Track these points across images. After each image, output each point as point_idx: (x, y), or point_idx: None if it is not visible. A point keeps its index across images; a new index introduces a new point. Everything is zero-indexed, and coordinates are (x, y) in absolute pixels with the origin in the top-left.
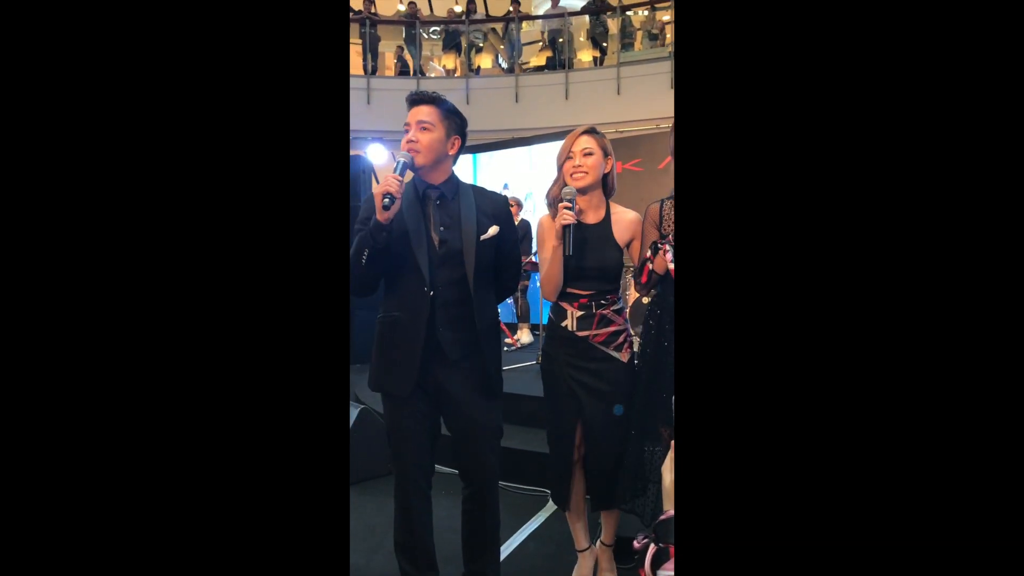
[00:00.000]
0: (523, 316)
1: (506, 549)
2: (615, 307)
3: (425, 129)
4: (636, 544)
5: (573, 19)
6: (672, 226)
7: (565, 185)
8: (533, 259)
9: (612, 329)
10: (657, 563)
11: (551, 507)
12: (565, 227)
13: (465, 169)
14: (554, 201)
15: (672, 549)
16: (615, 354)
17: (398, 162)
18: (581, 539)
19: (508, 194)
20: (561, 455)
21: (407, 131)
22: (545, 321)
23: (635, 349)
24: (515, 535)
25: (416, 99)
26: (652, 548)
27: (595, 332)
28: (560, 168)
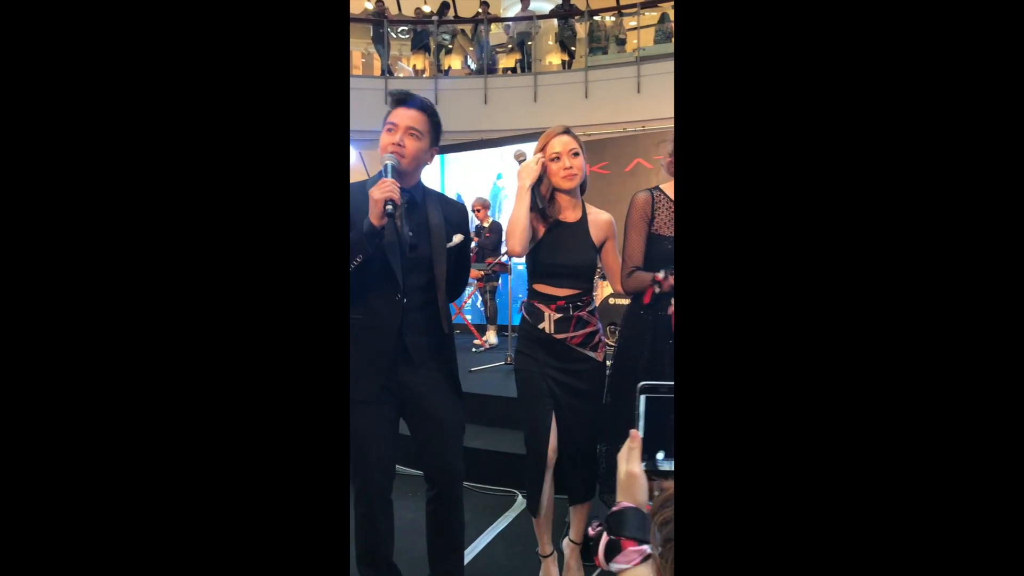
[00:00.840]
0: (491, 318)
1: (472, 550)
2: (589, 308)
3: (414, 136)
4: (591, 531)
5: (541, 22)
6: (665, 217)
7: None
8: (503, 260)
9: (588, 330)
10: (610, 554)
11: (518, 507)
12: (536, 252)
13: (432, 169)
14: (545, 201)
15: (624, 542)
16: (591, 354)
17: (386, 165)
18: (546, 544)
19: (476, 196)
20: (538, 455)
21: (390, 130)
22: (516, 322)
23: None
24: (481, 536)
25: (407, 102)
26: (604, 538)
27: (573, 334)
28: (544, 169)
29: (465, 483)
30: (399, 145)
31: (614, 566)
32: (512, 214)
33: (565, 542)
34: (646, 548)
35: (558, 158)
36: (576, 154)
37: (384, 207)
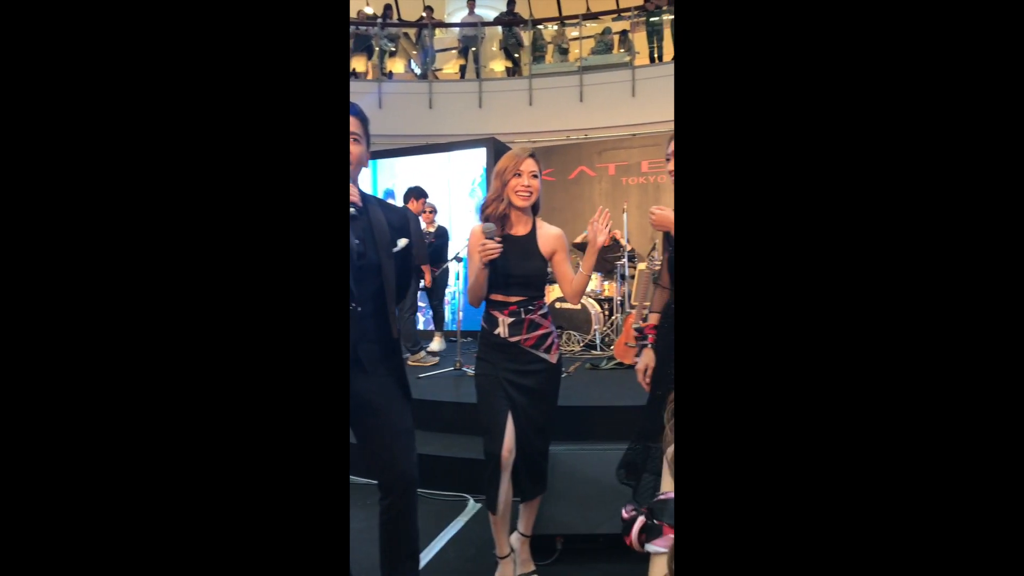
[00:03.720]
0: (439, 324)
1: (425, 556)
2: (541, 312)
3: (355, 141)
4: (625, 514)
5: (486, 29)
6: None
7: (487, 221)
8: (442, 267)
9: (540, 332)
10: (649, 536)
11: (470, 511)
12: (491, 262)
13: (386, 173)
14: (488, 217)
15: (666, 528)
16: (544, 356)
17: None
18: (504, 545)
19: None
20: (494, 455)
21: None
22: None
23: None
24: (434, 542)
25: None
26: (641, 520)
27: (525, 336)
28: (504, 183)
29: (418, 490)
30: None
31: (651, 548)
32: (472, 281)
33: (515, 536)
34: None
35: (520, 175)
36: (535, 176)
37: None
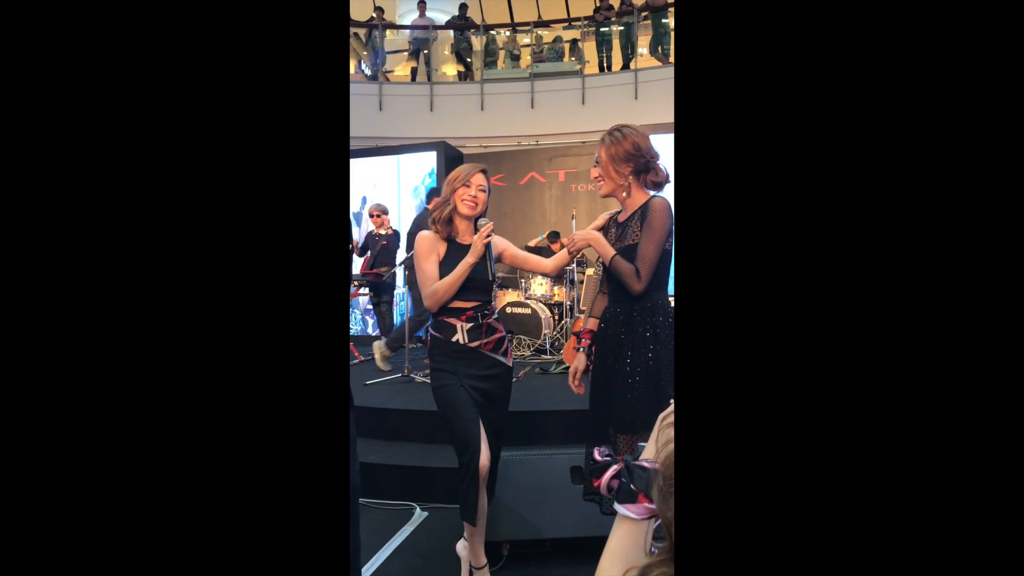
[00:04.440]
0: (386, 331)
1: (369, 568)
2: (495, 316)
3: None
4: (597, 456)
5: (438, 32)
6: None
7: (435, 222)
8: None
9: (497, 336)
10: (621, 497)
11: (415, 521)
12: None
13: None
14: (440, 220)
15: (641, 496)
16: (502, 359)
17: None
18: (481, 555)
19: (374, 203)
20: (471, 465)
21: None
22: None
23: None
24: (378, 553)
25: None
26: (615, 467)
27: (485, 341)
28: (453, 191)
29: (361, 499)
30: None
31: (622, 510)
32: (443, 285)
33: (460, 544)
34: (654, 508)
35: (468, 186)
36: (483, 190)
37: None
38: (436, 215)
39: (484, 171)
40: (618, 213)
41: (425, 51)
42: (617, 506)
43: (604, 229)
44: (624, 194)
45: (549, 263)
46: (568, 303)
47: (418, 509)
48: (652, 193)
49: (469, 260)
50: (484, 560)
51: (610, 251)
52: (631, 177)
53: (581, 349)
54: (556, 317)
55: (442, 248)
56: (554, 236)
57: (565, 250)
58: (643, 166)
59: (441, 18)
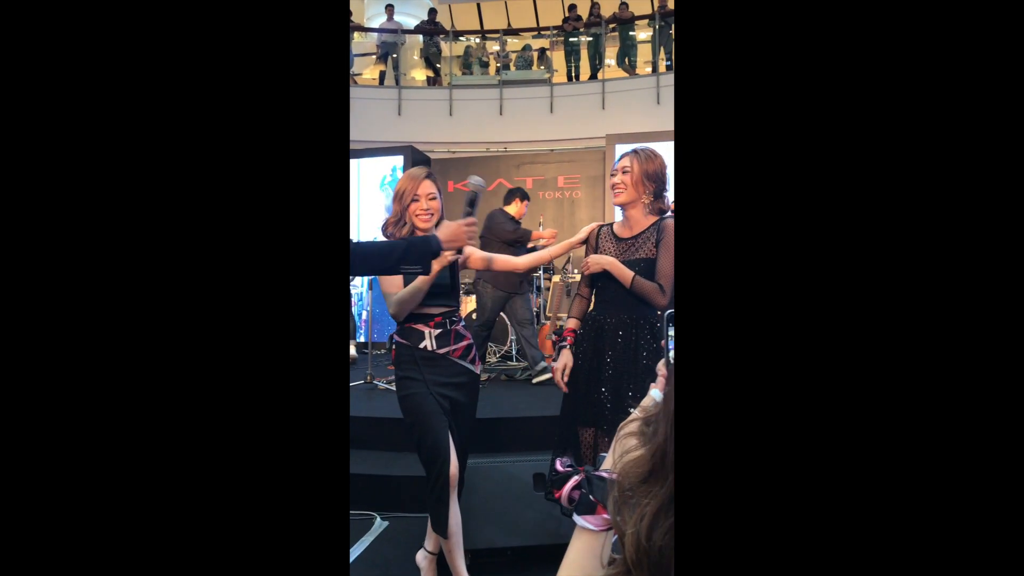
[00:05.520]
0: (351, 334)
1: None
2: (462, 323)
3: None
4: (559, 467)
5: (407, 37)
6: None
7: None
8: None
9: (465, 343)
10: (581, 509)
11: (375, 530)
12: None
13: None
14: (392, 229)
15: (600, 507)
16: (470, 366)
17: None
18: (462, 568)
19: None
20: (441, 475)
21: None
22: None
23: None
24: None
25: None
26: (576, 478)
27: (453, 347)
28: (404, 208)
29: None
30: None
31: (580, 521)
32: (409, 292)
33: (420, 554)
34: (610, 521)
35: (418, 199)
36: (433, 198)
37: None
38: (394, 232)
39: (430, 175)
40: (607, 226)
41: (394, 55)
42: (576, 517)
43: (592, 243)
44: (635, 210)
45: (521, 262)
46: (535, 310)
47: (379, 519)
48: (658, 216)
49: (435, 268)
50: (465, 574)
51: (629, 273)
52: (648, 197)
53: (567, 346)
54: None
55: None
56: (520, 194)
57: (541, 252)
58: (660, 190)
59: (410, 22)
